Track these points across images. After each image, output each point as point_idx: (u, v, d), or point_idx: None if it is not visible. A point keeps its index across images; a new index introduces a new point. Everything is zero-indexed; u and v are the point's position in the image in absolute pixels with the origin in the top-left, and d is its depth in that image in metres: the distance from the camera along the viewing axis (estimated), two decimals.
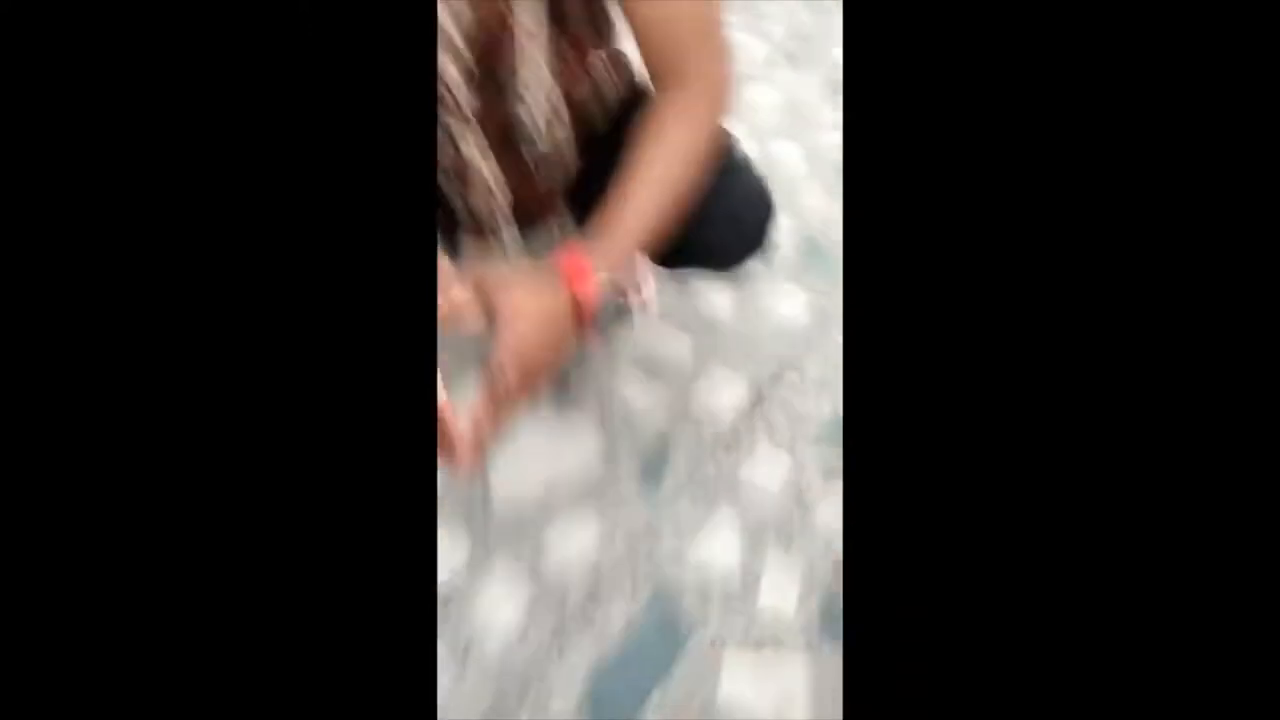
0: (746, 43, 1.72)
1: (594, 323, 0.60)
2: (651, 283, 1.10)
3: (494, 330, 0.55)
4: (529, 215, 0.78)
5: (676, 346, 1.04)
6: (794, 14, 1.91)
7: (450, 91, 0.60)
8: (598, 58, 0.67)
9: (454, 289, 0.54)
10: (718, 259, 0.78)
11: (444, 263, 0.55)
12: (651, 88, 0.63)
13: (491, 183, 0.70)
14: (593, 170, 0.74)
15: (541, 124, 0.66)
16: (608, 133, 0.72)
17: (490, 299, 0.55)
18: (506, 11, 0.57)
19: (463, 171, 0.69)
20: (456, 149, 0.67)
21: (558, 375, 0.90)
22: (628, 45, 0.65)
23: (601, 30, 0.67)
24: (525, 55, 0.59)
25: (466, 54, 0.58)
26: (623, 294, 0.61)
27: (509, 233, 0.80)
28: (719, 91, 0.62)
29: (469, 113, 0.63)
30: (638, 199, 0.59)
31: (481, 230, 0.79)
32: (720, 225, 0.69)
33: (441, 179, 0.71)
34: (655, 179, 0.59)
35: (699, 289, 1.11)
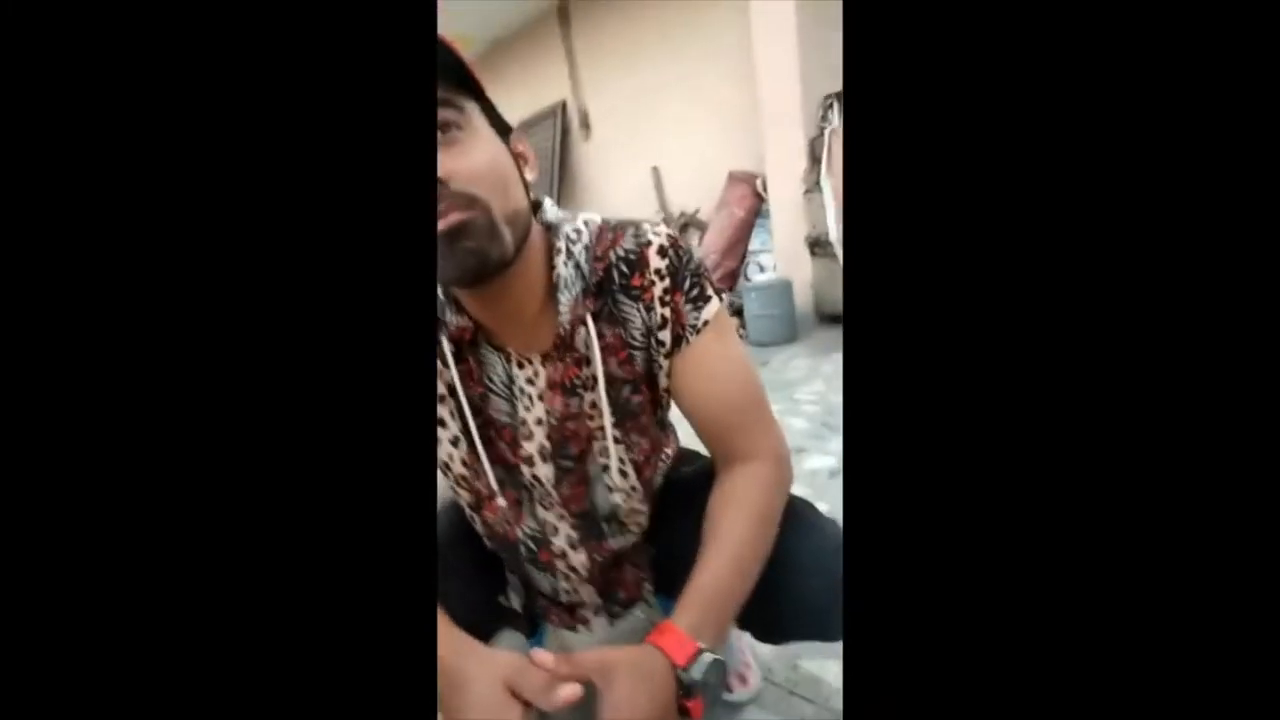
0: (789, 422, 1.92)
1: (703, 701, 0.55)
2: (752, 659, 1.01)
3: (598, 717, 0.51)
4: (615, 596, 0.79)
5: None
6: (824, 396, 2.17)
7: (543, 486, 0.68)
8: (659, 437, 0.76)
9: (558, 677, 0.52)
10: (818, 623, 0.73)
11: (543, 655, 0.54)
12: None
13: (582, 571, 0.73)
14: (654, 530, 0.77)
15: (626, 510, 0.71)
16: (661, 489, 0.77)
17: (593, 683, 0.52)
18: (590, 415, 0.67)
19: (552, 564, 0.72)
20: (548, 543, 0.71)
21: None
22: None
23: (664, 422, 0.77)
24: (612, 453, 0.67)
25: (554, 451, 0.67)
26: (724, 670, 0.57)
27: (598, 620, 0.79)
28: (781, 460, 0.67)
29: (561, 507, 0.70)
30: (724, 571, 0.59)
31: (571, 615, 0.78)
32: (813, 583, 0.67)
33: (531, 570, 0.74)
34: (738, 549, 0.60)
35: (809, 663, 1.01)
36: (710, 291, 0.64)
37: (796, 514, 0.69)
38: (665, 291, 0.62)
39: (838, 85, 2.92)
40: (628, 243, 0.62)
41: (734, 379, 0.66)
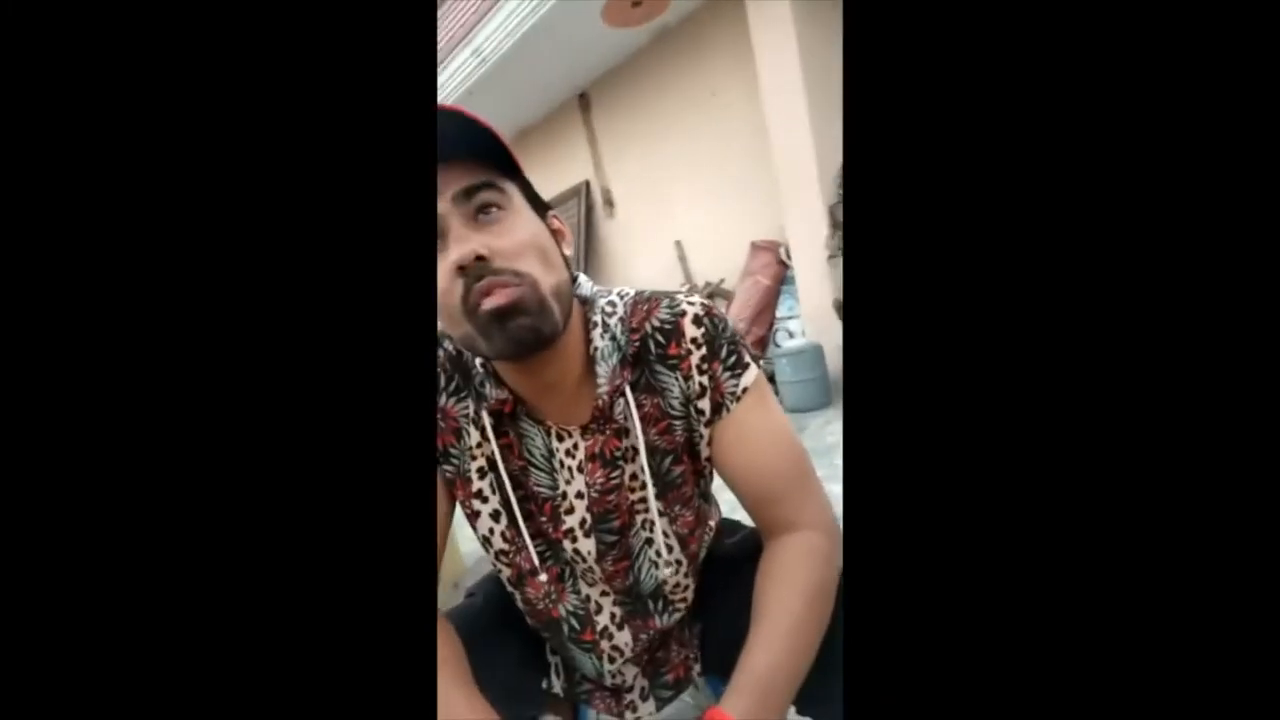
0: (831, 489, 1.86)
1: None
2: None
3: None
4: (661, 678, 0.75)
5: None
6: None
7: (585, 560, 0.66)
8: (703, 509, 0.74)
9: None
10: None
11: None
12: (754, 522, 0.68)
13: (626, 651, 0.70)
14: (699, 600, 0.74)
15: (671, 585, 0.69)
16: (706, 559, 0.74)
17: None
18: (631, 487, 0.66)
19: (596, 643, 0.70)
20: (592, 621, 0.69)
21: None
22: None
23: (708, 494, 0.76)
24: (656, 526, 0.66)
25: (595, 524, 0.65)
26: None
27: (645, 706, 0.75)
28: (831, 530, 0.63)
29: (605, 583, 0.68)
30: (776, 651, 0.55)
31: (617, 701, 0.75)
32: None
33: (574, 650, 0.71)
34: (790, 626, 0.57)
35: None
36: (748, 359, 0.64)
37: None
38: (702, 360, 0.62)
39: None
40: (663, 313, 0.63)
41: (777, 446, 0.65)
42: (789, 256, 3.49)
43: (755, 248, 3.71)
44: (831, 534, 0.63)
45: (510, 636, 0.73)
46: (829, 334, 3.18)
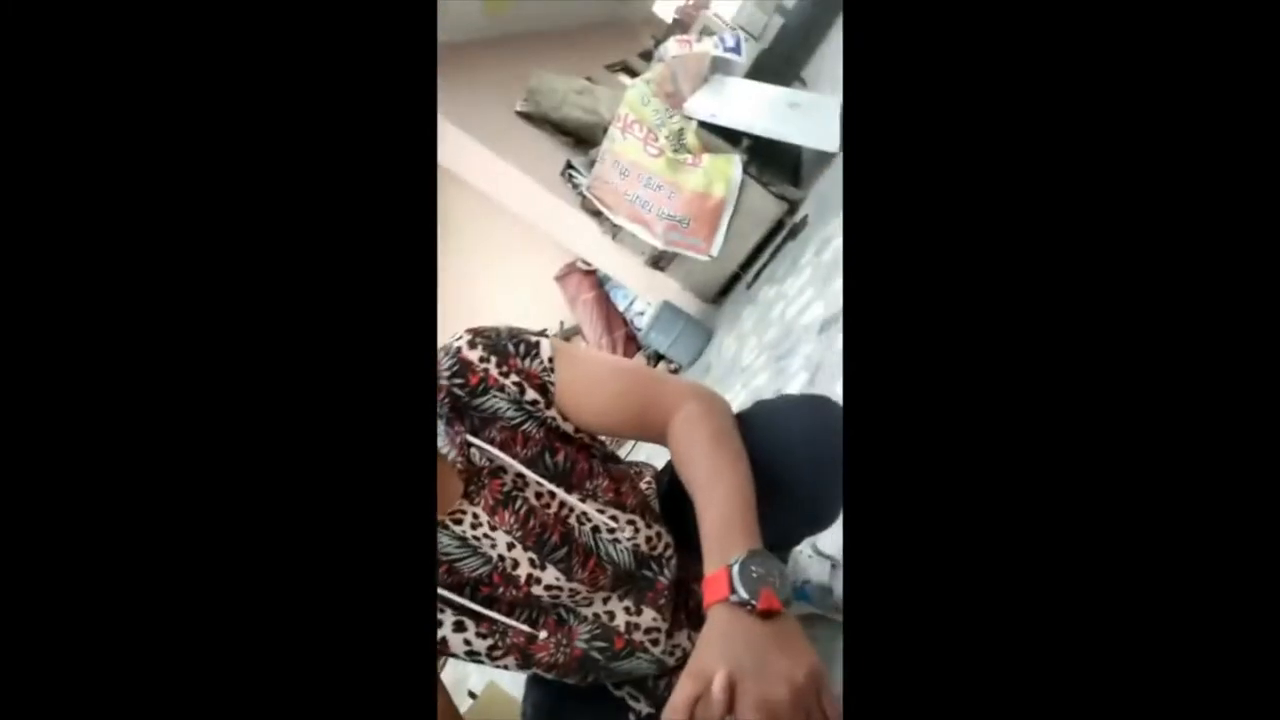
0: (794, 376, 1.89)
1: (771, 591, 0.52)
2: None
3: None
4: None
5: None
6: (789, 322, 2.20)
7: (562, 590, 0.67)
8: (616, 470, 0.76)
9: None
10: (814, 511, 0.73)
11: None
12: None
13: (660, 625, 0.72)
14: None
15: (645, 545, 0.71)
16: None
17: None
18: (544, 504, 0.67)
19: (631, 643, 0.71)
20: (613, 629, 0.70)
21: None
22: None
23: (608, 455, 0.78)
24: (590, 513, 0.68)
25: (542, 555, 0.67)
26: (765, 558, 0.55)
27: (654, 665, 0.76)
28: (700, 394, 0.68)
29: (594, 592, 0.69)
30: (714, 501, 0.59)
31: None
32: (810, 459, 0.68)
33: (621, 667, 0.72)
34: (709, 477, 0.61)
35: None
36: (534, 337, 0.68)
37: (764, 414, 0.71)
38: (499, 367, 0.66)
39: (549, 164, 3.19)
40: (446, 363, 0.66)
41: (611, 378, 0.69)
42: (587, 263, 3.63)
43: (560, 280, 3.83)
44: (699, 395, 0.68)
45: (574, 713, 0.73)
46: (661, 289, 3.33)
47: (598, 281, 3.78)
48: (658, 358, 3.30)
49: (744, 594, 0.51)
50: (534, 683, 0.75)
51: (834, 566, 0.97)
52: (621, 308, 3.80)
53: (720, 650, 0.50)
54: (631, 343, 3.74)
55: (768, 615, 0.51)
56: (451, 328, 0.71)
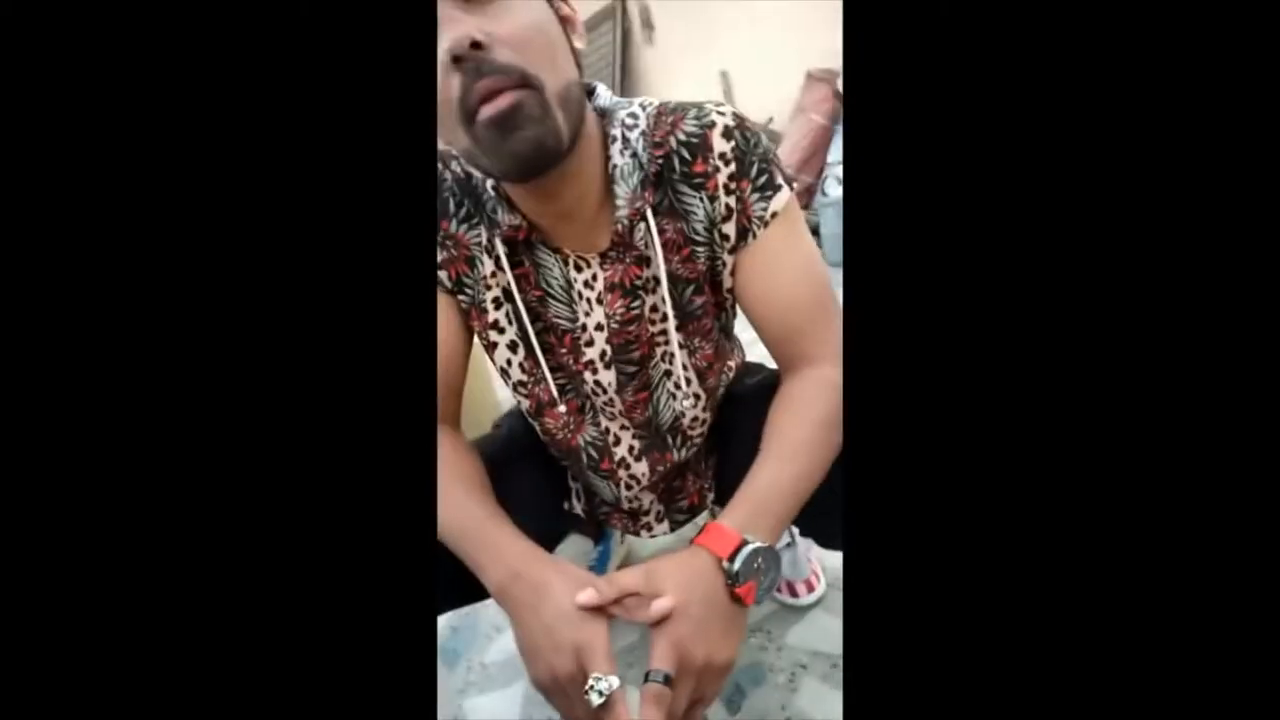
0: None
1: (755, 585, 0.52)
2: (819, 566, 1.01)
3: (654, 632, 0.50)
4: (677, 504, 0.78)
5: None
6: None
7: (605, 393, 0.66)
8: (723, 344, 0.73)
9: (608, 602, 0.51)
10: None
11: (589, 592, 0.51)
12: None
13: (644, 480, 0.72)
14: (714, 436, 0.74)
15: (689, 419, 0.69)
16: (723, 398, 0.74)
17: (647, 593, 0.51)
18: (652, 319, 0.63)
19: (614, 472, 0.72)
20: (610, 452, 0.70)
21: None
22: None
23: (729, 329, 0.73)
24: (676, 358, 0.64)
25: (615, 356, 0.64)
26: (773, 556, 0.54)
27: (661, 527, 0.79)
28: (839, 368, 0.60)
29: (624, 416, 0.68)
30: (780, 472, 0.56)
31: (635, 522, 0.79)
32: None
33: (592, 477, 0.73)
34: (795, 451, 0.57)
35: None
36: (780, 180, 0.58)
37: None
38: (730, 178, 0.56)
39: None
40: (689, 126, 0.56)
41: (803, 278, 0.61)
42: (841, 94, 3.18)
43: (811, 79, 3.37)
44: (839, 366, 0.61)
45: (533, 463, 0.76)
46: None
47: (838, 115, 3.35)
48: (813, 231, 3.06)
49: (736, 571, 0.50)
50: (520, 417, 0.77)
51: (789, 544, 0.98)
52: (830, 159, 3.42)
53: (683, 583, 0.50)
54: (805, 197, 3.44)
55: (735, 600, 0.51)
56: None
